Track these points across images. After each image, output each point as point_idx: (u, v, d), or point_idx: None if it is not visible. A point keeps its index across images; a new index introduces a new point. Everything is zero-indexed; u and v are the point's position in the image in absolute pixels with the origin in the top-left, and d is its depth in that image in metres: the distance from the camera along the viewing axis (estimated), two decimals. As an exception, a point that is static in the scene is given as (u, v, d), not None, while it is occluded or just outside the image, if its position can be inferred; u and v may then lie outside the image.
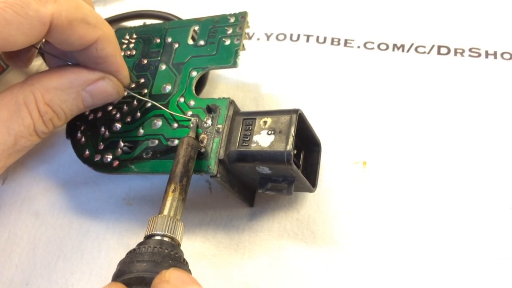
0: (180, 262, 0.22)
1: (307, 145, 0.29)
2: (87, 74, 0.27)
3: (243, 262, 0.29)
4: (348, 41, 0.36)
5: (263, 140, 0.26)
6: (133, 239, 0.31)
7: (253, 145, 0.26)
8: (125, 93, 0.30)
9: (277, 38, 0.36)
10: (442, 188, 0.29)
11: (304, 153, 0.29)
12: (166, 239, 0.23)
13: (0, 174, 0.26)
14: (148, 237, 0.23)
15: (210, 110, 0.28)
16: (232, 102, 0.28)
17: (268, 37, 0.37)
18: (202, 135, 0.27)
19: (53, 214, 0.32)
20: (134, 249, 0.22)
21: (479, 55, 0.34)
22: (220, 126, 0.27)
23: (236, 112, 0.28)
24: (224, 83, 0.35)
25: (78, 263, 0.30)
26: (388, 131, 0.31)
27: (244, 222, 0.30)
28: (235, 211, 0.30)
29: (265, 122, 0.26)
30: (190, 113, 0.28)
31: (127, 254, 0.22)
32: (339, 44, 0.36)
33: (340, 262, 0.28)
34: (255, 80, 0.34)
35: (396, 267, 0.27)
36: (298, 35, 0.36)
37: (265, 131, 0.26)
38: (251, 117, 0.27)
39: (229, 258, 0.29)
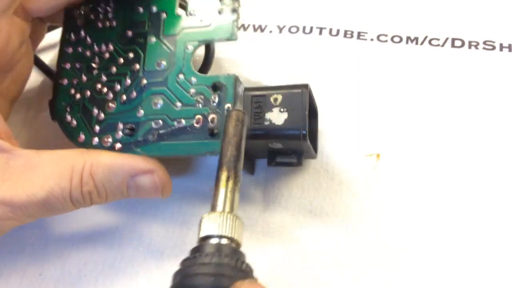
0: (248, 272, 0.20)
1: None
2: (140, 163, 0.26)
3: (255, 254, 0.29)
4: (361, 34, 0.35)
5: (275, 117, 0.26)
6: (146, 229, 0.31)
7: (266, 123, 0.26)
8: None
9: (289, 30, 0.36)
10: (458, 182, 0.29)
11: None
12: (226, 241, 0.20)
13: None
14: (204, 239, 0.20)
15: (216, 87, 0.27)
16: (237, 78, 0.27)
17: (280, 29, 0.36)
18: (212, 115, 0.26)
19: (66, 204, 0.33)
20: (193, 257, 0.19)
21: (494, 48, 0.33)
22: (229, 105, 0.26)
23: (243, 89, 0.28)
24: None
25: (91, 254, 0.30)
26: (402, 124, 0.31)
27: (257, 214, 0.30)
28: (247, 203, 0.30)
29: (275, 99, 0.27)
30: (193, 90, 0.27)
31: (184, 263, 0.20)
32: (352, 36, 0.35)
33: (354, 255, 0.28)
34: (267, 73, 0.34)
35: (410, 261, 0.27)
36: (311, 28, 0.36)
37: (277, 108, 0.26)
38: (260, 93, 0.27)
39: (241, 250, 0.29)
